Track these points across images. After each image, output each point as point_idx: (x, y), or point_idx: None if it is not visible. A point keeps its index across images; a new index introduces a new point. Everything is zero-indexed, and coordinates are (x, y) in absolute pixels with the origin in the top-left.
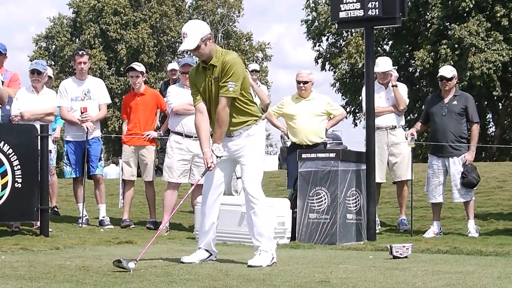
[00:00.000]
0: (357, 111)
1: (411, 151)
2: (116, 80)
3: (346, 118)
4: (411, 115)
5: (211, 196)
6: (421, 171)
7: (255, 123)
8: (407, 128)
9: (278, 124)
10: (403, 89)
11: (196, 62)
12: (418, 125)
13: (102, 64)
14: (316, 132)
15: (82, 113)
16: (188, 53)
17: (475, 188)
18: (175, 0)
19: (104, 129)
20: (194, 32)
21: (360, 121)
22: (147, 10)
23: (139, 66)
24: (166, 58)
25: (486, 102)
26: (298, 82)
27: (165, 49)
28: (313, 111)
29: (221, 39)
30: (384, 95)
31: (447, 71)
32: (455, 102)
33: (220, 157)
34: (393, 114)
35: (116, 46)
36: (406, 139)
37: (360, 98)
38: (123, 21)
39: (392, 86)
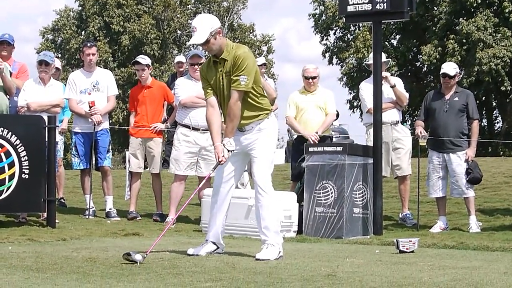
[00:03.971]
0: None
1: (422, 148)
2: (120, 72)
3: (336, 118)
4: (417, 111)
5: (222, 190)
6: None
7: (267, 117)
8: (405, 124)
9: (299, 128)
10: (400, 84)
11: (205, 53)
12: (421, 123)
13: (107, 56)
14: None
15: (90, 107)
16: (196, 46)
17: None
18: None
19: (110, 120)
20: (204, 26)
21: (362, 119)
22: (150, 2)
23: (144, 59)
24: (171, 51)
25: (494, 98)
26: (307, 78)
27: (169, 41)
28: (318, 104)
29: (227, 32)
30: (383, 91)
31: (450, 68)
32: (456, 99)
33: (231, 151)
34: (395, 109)
35: (119, 38)
36: (418, 137)
37: (360, 95)
38: (126, 14)
39: (391, 87)
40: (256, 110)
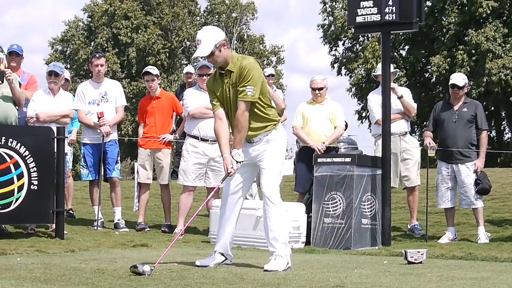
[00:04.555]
0: None
1: (431, 159)
2: (128, 84)
3: (345, 129)
4: (426, 121)
5: (230, 201)
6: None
7: (275, 128)
8: (414, 134)
9: (305, 138)
10: (408, 95)
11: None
12: (429, 134)
13: (115, 67)
14: (327, 136)
15: (99, 118)
16: (203, 58)
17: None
18: (187, 2)
19: (118, 132)
20: (208, 38)
21: (370, 130)
22: (159, 13)
23: (153, 70)
24: (179, 60)
25: (503, 108)
26: (314, 89)
27: (177, 51)
28: (325, 115)
29: (236, 43)
30: (392, 102)
31: (459, 79)
32: (465, 109)
33: (240, 162)
34: (404, 120)
35: (127, 49)
36: (427, 148)
37: (368, 106)
38: (134, 25)
39: (398, 98)
40: (264, 121)
